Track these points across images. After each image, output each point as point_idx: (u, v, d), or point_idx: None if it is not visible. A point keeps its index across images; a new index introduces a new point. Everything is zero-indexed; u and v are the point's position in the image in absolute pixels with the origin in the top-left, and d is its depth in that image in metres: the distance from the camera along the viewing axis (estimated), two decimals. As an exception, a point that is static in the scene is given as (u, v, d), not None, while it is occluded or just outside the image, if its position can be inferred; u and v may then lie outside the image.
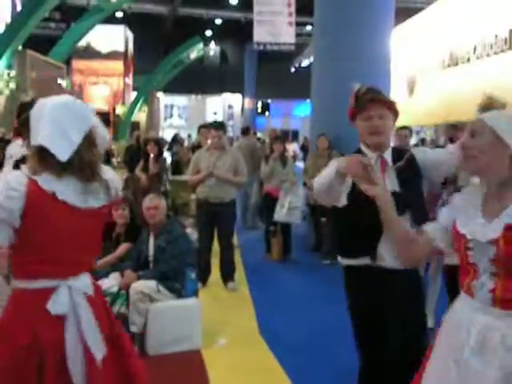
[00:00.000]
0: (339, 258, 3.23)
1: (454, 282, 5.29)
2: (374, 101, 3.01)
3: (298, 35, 27.12)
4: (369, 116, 3.00)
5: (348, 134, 6.63)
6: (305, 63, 28.45)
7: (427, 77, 13.49)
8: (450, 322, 2.19)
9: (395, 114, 3.09)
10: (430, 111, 13.25)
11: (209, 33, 29.75)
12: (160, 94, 28.02)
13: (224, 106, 34.45)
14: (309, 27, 26.34)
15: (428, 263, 5.60)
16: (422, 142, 16.03)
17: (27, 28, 12.08)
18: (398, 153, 3.07)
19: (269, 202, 8.14)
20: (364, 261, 3.00)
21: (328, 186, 2.84)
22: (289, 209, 7.86)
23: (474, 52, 11.02)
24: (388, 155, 3.04)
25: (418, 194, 3.04)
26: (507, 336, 1.99)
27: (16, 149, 7.29)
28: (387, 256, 2.91)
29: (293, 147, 14.49)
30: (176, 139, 14.28)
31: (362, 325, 3.12)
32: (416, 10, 14.75)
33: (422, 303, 3.17)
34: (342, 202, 3.01)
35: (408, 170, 3.00)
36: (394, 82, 9.42)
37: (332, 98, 8.51)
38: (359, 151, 3.05)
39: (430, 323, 5.42)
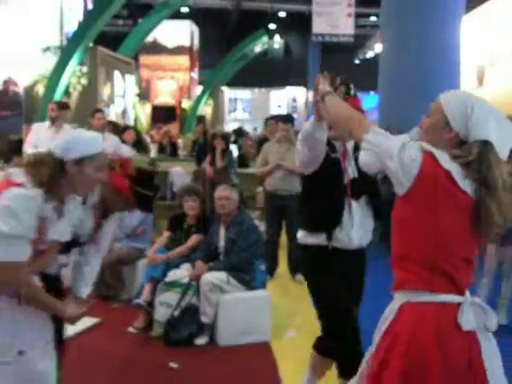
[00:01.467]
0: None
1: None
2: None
3: (361, 26, 26.76)
4: None
5: (416, 125, 6.56)
6: (369, 55, 28.05)
7: (498, 66, 13.08)
8: None
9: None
10: (500, 101, 12.85)
11: (273, 26, 29.69)
12: (224, 88, 28.21)
13: (288, 99, 34.34)
14: (373, 18, 25.92)
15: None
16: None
17: (97, 26, 12.38)
18: None
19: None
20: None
21: (309, 134, 3.23)
22: None
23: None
24: (350, 145, 3.38)
25: (372, 180, 3.31)
26: None
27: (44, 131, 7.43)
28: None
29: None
30: (240, 132, 14.34)
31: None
32: (487, -3, 14.30)
33: None
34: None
35: None
36: (463, 71, 9.19)
37: (400, 89, 8.39)
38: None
39: (503, 320, 5.26)
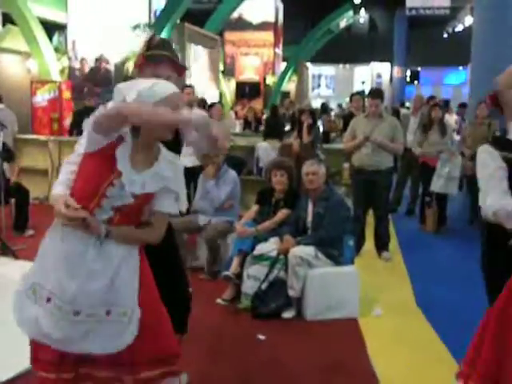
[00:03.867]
0: None
1: None
2: None
3: (451, -1, 25.81)
4: None
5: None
6: (459, 28, 27.04)
7: None
8: None
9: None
10: None
11: (358, 0, 29.16)
12: (308, 64, 28.01)
13: (372, 75, 33.73)
14: (464, -11, 24.92)
15: None
16: None
17: (184, 3, 12.56)
18: None
19: (426, 172, 7.89)
20: None
21: None
22: (447, 179, 7.58)
23: None
24: None
25: None
26: None
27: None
28: None
29: (455, 118, 13.58)
30: (324, 108, 14.22)
31: None
32: None
33: None
34: None
35: None
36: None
37: (494, 62, 8.03)
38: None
39: None
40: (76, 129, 9.18)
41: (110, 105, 2.35)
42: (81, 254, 2.32)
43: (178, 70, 3.04)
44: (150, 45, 2.97)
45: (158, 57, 2.94)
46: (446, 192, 7.77)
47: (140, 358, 2.43)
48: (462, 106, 12.93)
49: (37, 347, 2.40)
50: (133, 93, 2.34)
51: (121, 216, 2.37)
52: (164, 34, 12.34)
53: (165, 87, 2.40)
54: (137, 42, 12.56)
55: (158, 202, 2.46)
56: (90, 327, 2.33)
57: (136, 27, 13.04)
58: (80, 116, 8.92)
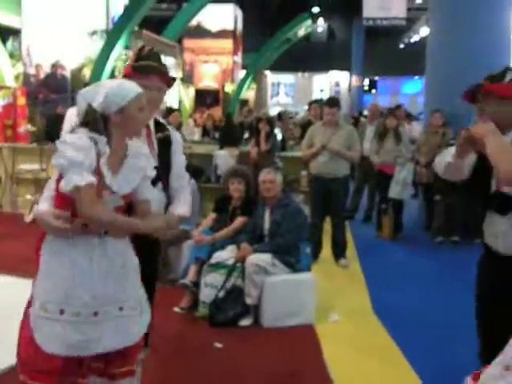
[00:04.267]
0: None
1: None
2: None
3: (407, 9, 26.28)
4: None
5: (465, 110, 6.40)
6: (415, 38, 27.56)
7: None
8: None
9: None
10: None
11: (316, 9, 29.43)
12: (267, 72, 28.16)
13: (331, 83, 34.09)
14: (418, 0, 25.42)
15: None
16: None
17: (144, 9, 12.48)
18: None
19: (382, 180, 8.00)
20: None
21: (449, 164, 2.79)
22: (402, 185, 7.72)
23: None
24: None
25: None
26: None
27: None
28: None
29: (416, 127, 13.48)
30: (279, 116, 14.31)
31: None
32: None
33: None
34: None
35: None
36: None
37: (447, 72, 8.22)
38: None
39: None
40: (50, 137, 8.95)
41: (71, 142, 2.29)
42: (87, 258, 2.35)
43: (167, 81, 3.03)
44: (138, 56, 2.96)
45: (147, 68, 2.93)
46: (402, 198, 7.90)
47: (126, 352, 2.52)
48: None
49: (41, 359, 2.36)
50: (99, 96, 2.35)
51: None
52: (122, 41, 12.25)
53: (131, 87, 2.43)
54: (94, 48, 12.45)
55: (139, 192, 2.51)
56: (108, 325, 2.39)
57: (93, 33, 12.90)
58: (53, 124, 8.69)
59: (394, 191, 7.78)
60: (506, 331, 2.85)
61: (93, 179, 2.26)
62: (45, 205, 2.47)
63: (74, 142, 2.26)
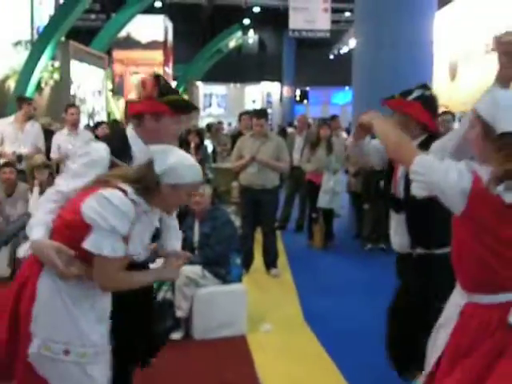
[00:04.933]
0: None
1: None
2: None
3: (336, 22, 26.83)
4: None
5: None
6: (344, 50, 28.18)
7: (470, 61, 13.23)
8: None
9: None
10: (472, 96, 12.98)
11: (247, 21, 29.69)
12: (199, 83, 28.12)
13: (263, 94, 34.36)
14: (347, 13, 26.05)
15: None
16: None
17: (70, 20, 12.24)
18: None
19: (312, 189, 8.09)
20: None
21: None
22: (332, 194, 7.83)
23: (520, 35, 10.75)
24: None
25: None
26: None
27: (62, 138, 7.52)
28: None
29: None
30: (209, 127, 14.30)
31: None
32: (459, -7, 14.44)
33: None
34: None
35: None
36: (436, 66, 9.28)
37: (374, 84, 8.42)
38: None
39: None
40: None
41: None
42: (89, 298, 2.32)
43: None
44: (161, 89, 2.66)
45: (188, 106, 2.81)
46: (332, 207, 8.01)
47: None
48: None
49: None
50: (167, 161, 2.31)
51: None
52: (47, 52, 11.98)
53: (197, 172, 2.41)
54: (18, 59, 12.12)
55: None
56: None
57: (17, 44, 12.57)
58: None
59: (323, 201, 7.88)
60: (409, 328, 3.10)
61: (122, 253, 2.24)
62: (41, 230, 2.36)
63: (118, 206, 2.20)
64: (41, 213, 2.44)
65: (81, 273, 2.27)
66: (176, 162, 2.34)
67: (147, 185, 2.29)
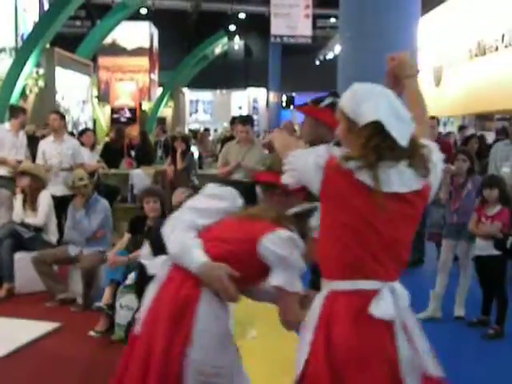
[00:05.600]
0: None
1: (484, 273, 5.29)
2: None
3: (321, 28, 27.02)
4: None
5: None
6: (330, 56, 28.30)
7: (454, 67, 13.34)
8: None
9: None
10: (457, 101, 13.09)
11: (233, 27, 29.76)
12: (185, 90, 28.14)
13: (249, 100, 34.41)
14: (332, 19, 26.19)
15: (456, 255, 5.60)
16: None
17: (54, 26, 12.21)
18: None
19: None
20: None
21: None
22: None
23: (503, 41, 10.87)
24: None
25: None
26: None
27: (48, 145, 7.49)
28: None
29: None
30: (194, 134, 14.32)
31: None
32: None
33: None
34: None
35: None
36: (420, 72, 9.35)
37: (358, 90, 8.46)
38: None
39: (460, 312, 5.42)
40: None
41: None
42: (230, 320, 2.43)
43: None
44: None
45: None
46: (317, 205, 8.00)
47: None
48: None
49: None
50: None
51: None
52: (32, 59, 11.93)
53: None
54: (2, 67, 12.06)
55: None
56: None
57: (1, 51, 12.52)
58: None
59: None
60: None
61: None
62: (202, 253, 2.40)
63: (300, 248, 2.33)
64: (187, 238, 2.46)
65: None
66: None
67: (305, 226, 2.47)
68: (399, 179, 2.02)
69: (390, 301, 2.00)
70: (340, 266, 2.09)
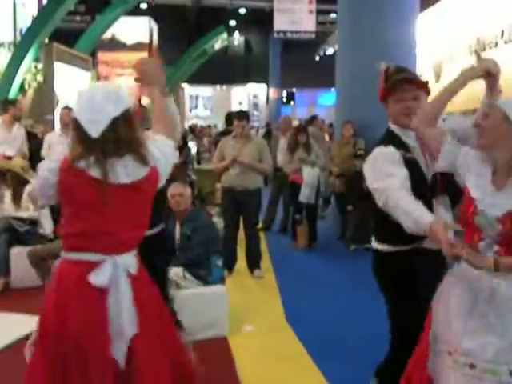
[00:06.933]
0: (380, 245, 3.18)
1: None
2: (407, 82, 2.96)
3: (321, 23, 26.88)
4: (402, 98, 2.95)
5: (373, 121, 6.60)
6: (330, 51, 28.21)
7: (454, 63, 13.30)
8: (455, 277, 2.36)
9: (428, 94, 3.06)
10: (457, 97, 13.05)
11: (233, 23, 29.67)
12: (185, 85, 28.09)
13: (249, 95, 34.33)
14: (333, 15, 26.06)
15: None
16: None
17: (53, 21, 12.16)
18: None
19: (295, 190, 8.09)
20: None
21: None
22: (311, 188, 7.85)
23: (502, 36, 10.82)
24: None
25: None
26: None
27: (55, 138, 7.57)
28: None
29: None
30: (192, 129, 14.29)
31: None
32: (442, -5, 14.51)
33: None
34: None
35: None
36: (419, 68, 9.32)
37: (356, 86, 8.45)
38: (391, 134, 3.01)
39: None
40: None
41: None
42: (471, 301, 2.26)
43: (420, 86, 3.01)
44: (387, 76, 2.97)
45: (395, 82, 2.92)
46: (312, 202, 8.01)
47: None
48: (330, 125, 13.49)
49: None
50: None
51: (505, 250, 2.21)
52: (31, 54, 11.90)
53: None
54: (1, 61, 12.03)
55: None
56: None
57: (0, 45, 12.48)
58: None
59: (304, 195, 7.88)
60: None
61: None
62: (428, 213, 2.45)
63: None
64: (410, 201, 2.56)
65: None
66: None
67: None
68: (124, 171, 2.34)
69: (108, 271, 2.31)
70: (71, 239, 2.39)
